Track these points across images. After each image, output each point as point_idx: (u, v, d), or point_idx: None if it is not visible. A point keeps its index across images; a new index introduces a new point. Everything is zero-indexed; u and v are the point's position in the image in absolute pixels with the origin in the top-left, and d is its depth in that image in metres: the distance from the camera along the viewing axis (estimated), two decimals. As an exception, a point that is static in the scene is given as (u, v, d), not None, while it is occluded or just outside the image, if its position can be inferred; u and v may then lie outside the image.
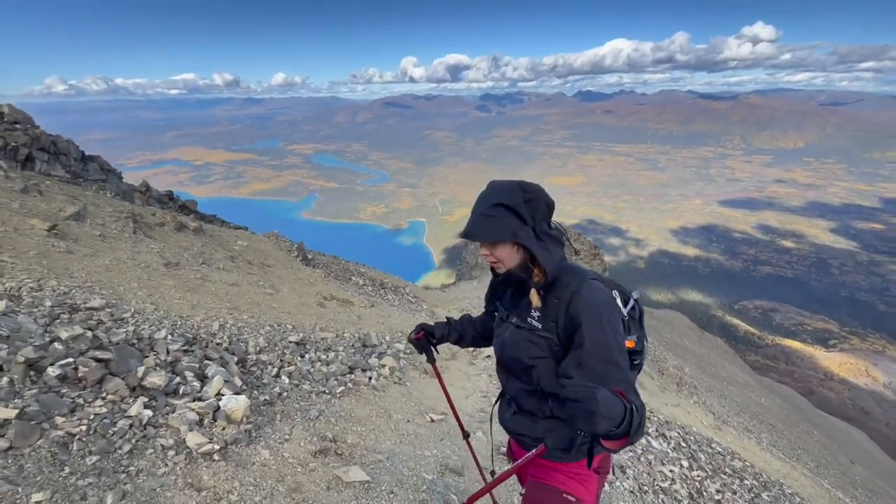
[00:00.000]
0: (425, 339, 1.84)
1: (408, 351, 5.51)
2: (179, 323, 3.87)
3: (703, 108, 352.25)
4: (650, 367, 14.25)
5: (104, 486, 1.92)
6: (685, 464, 5.48)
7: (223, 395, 2.94)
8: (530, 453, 1.26)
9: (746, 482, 5.90)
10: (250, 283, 6.06)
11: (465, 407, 4.42)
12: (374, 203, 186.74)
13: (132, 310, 3.64)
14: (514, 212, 1.32)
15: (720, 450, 6.98)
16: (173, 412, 2.59)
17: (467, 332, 1.83)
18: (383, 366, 4.71)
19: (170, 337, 3.47)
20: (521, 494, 1.49)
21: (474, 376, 5.28)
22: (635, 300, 1.39)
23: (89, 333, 2.89)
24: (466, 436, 1.93)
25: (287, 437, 2.82)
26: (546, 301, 1.35)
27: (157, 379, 2.72)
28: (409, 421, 3.61)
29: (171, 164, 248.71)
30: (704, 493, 4.83)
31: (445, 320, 1.89)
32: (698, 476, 5.28)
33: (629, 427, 1.00)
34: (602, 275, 1.41)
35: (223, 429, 2.63)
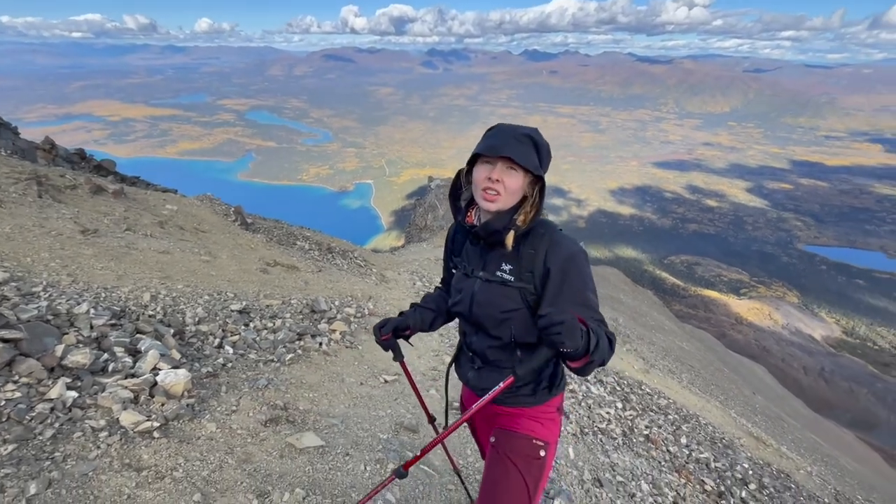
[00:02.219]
0: (393, 338, 1.63)
1: (358, 315, 5.45)
2: (104, 295, 3.53)
3: (641, 71, 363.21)
4: (589, 319, 15.19)
5: (25, 476, 1.76)
6: (619, 405, 6.00)
7: (160, 369, 2.76)
8: (499, 385, 1.26)
9: (670, 417, 6.59)
10: (184, 251, 5.63)
11: (418, 366, 4.49)
12: (318, 164, 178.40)
13: (44, 283, 3.26)
14: (537, 151, 1.33)
15: (648, 391, 7.69)
16: (103, 391, 2.40)
17: (442, 308, 1.69)
18: (334, 331, 4.63)
19: (93, 311, 3.16)
20: (490, 443, 1.52)
21: (426, 336, 5.35)
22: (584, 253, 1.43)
23: (-8, 311, 2.56)
24: (432, 420, 1.90)
25: (234, 408, 2.72)
26: (520, 252, 1.36)
27: (80, 357, 2.49)
28: (362, 384, 3.61)
29: (82, 118, 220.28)
30: (635, 430, 5.34)
31: (411, 308, 1.70)
32: (630, 415, 5.81)
33: (588, 345, 1.10)
34: None
35: (162, 405, 2.48)
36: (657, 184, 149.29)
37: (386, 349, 1.64)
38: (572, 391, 5.64)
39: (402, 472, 1.43)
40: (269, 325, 4.28)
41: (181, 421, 2.42)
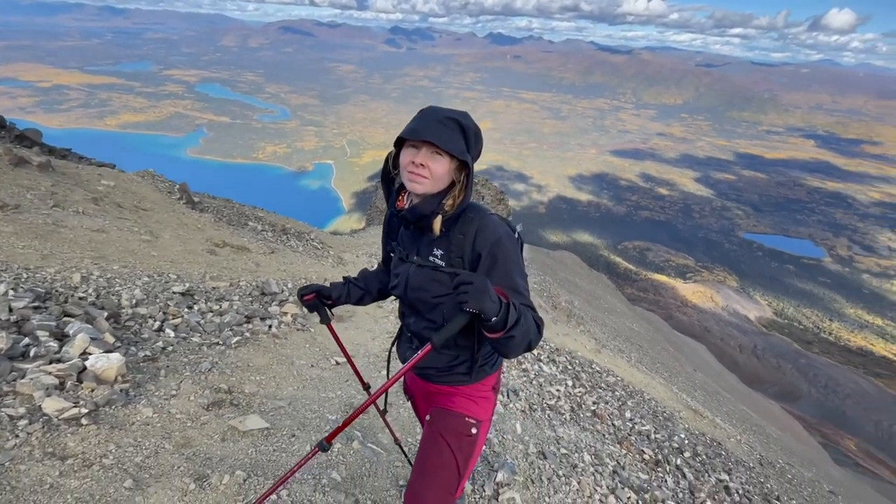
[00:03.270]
0: (317, 300, 1.61)
1: (312, 297, 5.35)
2: (25, 276, 3.27)
3: (601, 60, 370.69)
4: (546, 301, 15.72)
5: (-71, 468, 1.62)
6: (570, 383, 6.26)
7: (90, 354, 2.60)
8: (417, 354, 1.28)
9: (617, 393, 6.96)
10: (122, 229, 5.28)
11: (372, 349, 4.48)
12: (275, 142, 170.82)
13: (-47, 262, 2.96)
14: (465, 134, 1.30)
15: (598, 369, 8.08)
16: (23, 378, 2.23)
17: (372, 287, 1.71)
18: (285, 313, 4.52)
19: (12, 293, 2.92)
20: (426, 421, 1.56)
21: (381, 318, 5.34)
22: (518, 233, 1.45)
23: None
24: (366, 387, 1.91)
25: (174, 392, 2.61)
26: (450, 236, 1.36)
27: (-5, 341, 2.30)
28: (312, 366, 3.56)
29: (6, 83, 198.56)
30: (583, 406, 5.61)
31: (342, 280, 1.71)
32: (579, 392, 6.08)
33: (506, 317, 1.12)
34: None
35: (92, 391, 2.34)
36: (614, 171, 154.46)
37: (310, 310, 1.64)
38: (525, 370, 5.83)
39: (324, 445, 1.44)
40: (216, 307, 4.12)
41: (113, 407, 2.29)
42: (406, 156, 1.32)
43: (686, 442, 5.96)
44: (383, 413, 1.92)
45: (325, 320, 1.67)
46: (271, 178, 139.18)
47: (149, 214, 6.45)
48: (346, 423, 1.40)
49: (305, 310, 1.74)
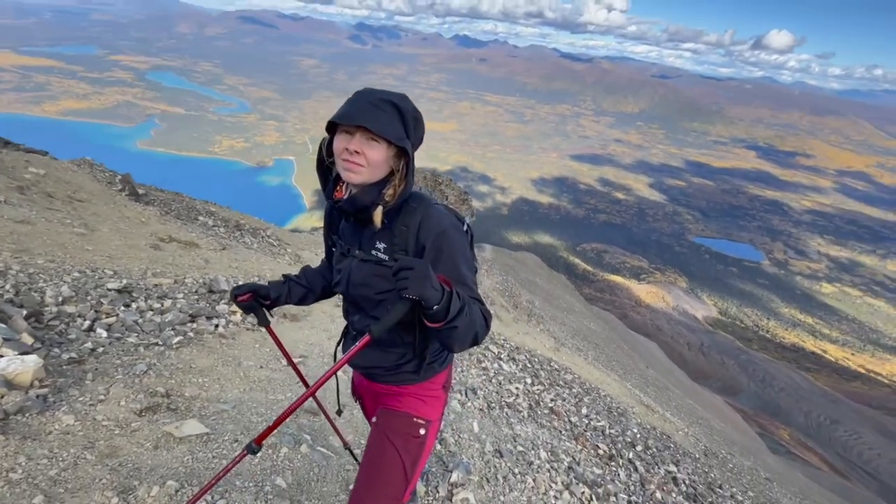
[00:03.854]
0: (254, 301, 1.47)
1: (265, 295, 5.11)
2: (-72, 270, 2.90)
3: (564, 67, 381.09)
4: (507, 301, 15.91)
5: None
6: (528, 381, 6.33)
7: (2, 356, 2.33)
8: (355, 345, 1.19)
9: (574, 390, 7.11)
10: (50, 221, 4.83)
11: (328, 348, 4.33)
12: (232, 136, 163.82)
13: None
14: (402, 118, 1.19)
15: (557, 367, 8.23)
16: (-85, 383, 1.96)
17: (315, 285, 1.60)
18: (234, 312, 4.28)
19: None
20: (372, 422, 1.49)
21: (339, 318, 5.18)
22: (468, 225, 1.39)
23: None
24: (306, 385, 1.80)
25: (101, 397, 2.39)
26: (392, 228, 1.28)
27: None
28: (261, 367, 3.38)
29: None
30: (541, 403, 5.67)
31: (282, 279, 1.60)
32: (537, 390, 6.16)
33: (448, 305, 1.05)
34: (439, 201, 1.37)
35: (2, 397, 2.10)
36: (574, 175, 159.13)
37: (246, 312, 1.49)
38: (484, 369, 5.84)
39: (253, 448, 1.33)
40: (156, 305, 3.84)
41: (26, 415, 2.06)
42: (339, 142, 1.21)
43: (638, 436, 6.17)
44: (327, 414, 1.81)
45: (264, 323, 1.53)
46: (228, 173, 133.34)
47: (84, 206, 5.97)
48: (277, 422, 1.28)
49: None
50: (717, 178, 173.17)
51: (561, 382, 7.30)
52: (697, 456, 6.88)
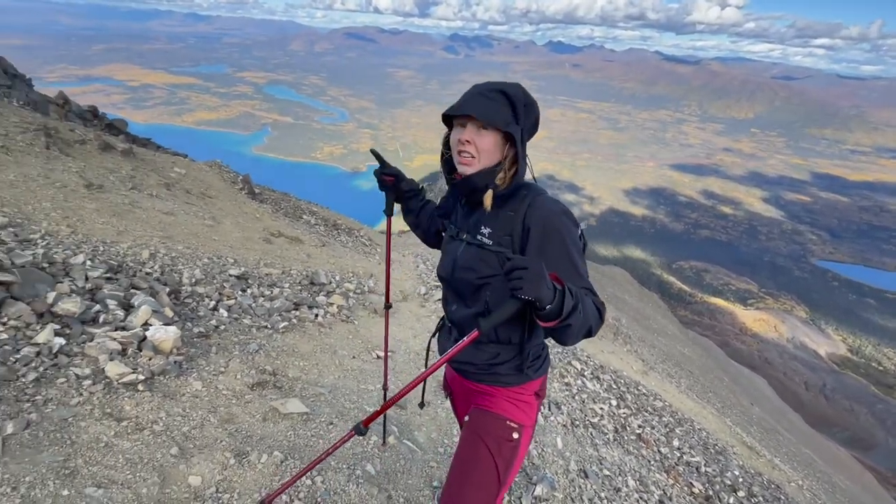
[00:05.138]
0: (395, 183, 1.61)
1: (358, 291, 5.42)
2: (102, 249, 3.52)
3: (666, 71, 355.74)
4: (591, 316, 15.10)
5: (3, 416, 1.75)
6: (614, 403, 5.94)
7: (151, 325, 2.74)
8: (462, 339, 1.20)
9: (664, 419, 6.52)
10: (188, 213, 5.62)
11: (413, 346, 4.46)
12: (332, 143, 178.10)
13: (42, 231, 3.25)
14: (512, 104, 1.22)
15: (645, 392, 7.62)
16: (91, 341, 2.38)
17: (426, 210, 1.66)
18: (331, 304, 4.60)
19: (89, 263, 3.15)
20: (465, 421, 1.47)
21: (424, 317, 5.32)
22: (581, 230, 1.34)
23: (-15, 253, 2.55)
24: (389, 307, 1.91)
25: (222, 369, 2.70)
26: (499, 214, 1.29)
27: (70, 306, 2.47)
28: (354, 357, 3.59)
29: (102, 82, 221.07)
30: (628, 428, 5.29)
31: (415, 184, 1.70)
32: (624, 413, 5.75)
33: (562, 304, 1.02)
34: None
35: (149, 359, 2.47)
36: (672, 186, 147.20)
37: (382, 188, 1.59)
38: (567, 384, 5.60)
39: (361, 429, 1.41)
40: (267, 292, 4.27)
41: (167, 377, 2.40)
42: (454, 135, 1.28)
43: (740, 480, 5.47)
44: (421, 406, 1.83)
45: (389, 210, 1.63)
46: (327, 176, 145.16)
47: (213, 201, 6.85)
48: (384, 408, 1.36)
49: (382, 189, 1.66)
50: (854, 192, 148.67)
51: (649, 409, 6.75)
52: (817, 514, 5.92)
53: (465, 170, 1.27)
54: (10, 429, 1.72)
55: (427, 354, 1.72)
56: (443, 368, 1.76)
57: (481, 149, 1.23)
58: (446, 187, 1.43)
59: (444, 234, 1.54)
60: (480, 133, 1.22)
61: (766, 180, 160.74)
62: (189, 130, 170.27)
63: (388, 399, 1.40)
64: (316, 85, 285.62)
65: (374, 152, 1.60)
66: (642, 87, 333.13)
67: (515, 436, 1.38)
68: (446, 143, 1.36)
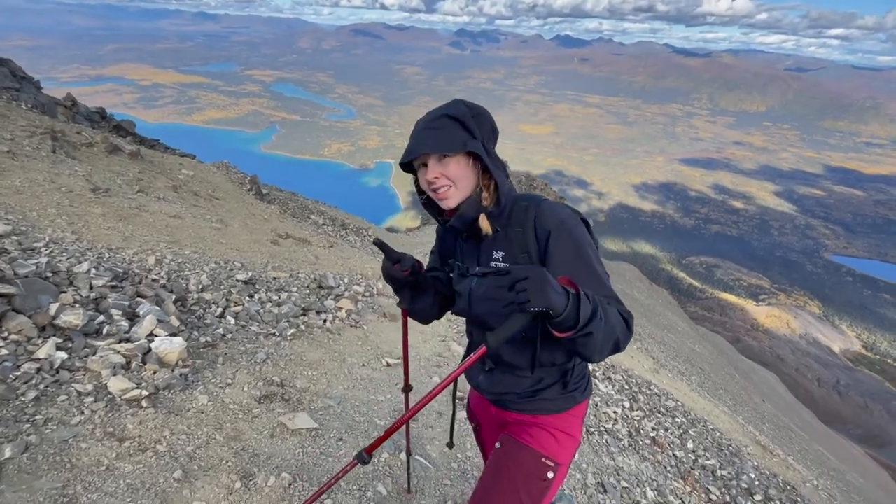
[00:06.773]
0: (409, 277, 1.29)
1: (367, 294, 5.34)
2: (107, 256, 3.47)
3: (676, 64, 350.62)
4: (602, 315, 14.92)
5: (1, 438, 1.68)
6: (627, 404, 5.81)
7: (156, 336, 2.68)
8: (469, 356, 1.11)
9: (677, 420, 6.38)
10: (195, 216, 5.57)
11: (423, 351, 4.37)
12: (340, 140, 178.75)
13: (47, 239, 3.20)
14: (461, 123, 1.15)
15: (657, 391, 7.48)
16: (94, 354, 2.32)
17: (435, 288, 1.39)
18: (340, 308, 4.52)
19: (94, 271, 3.09)
20: (495, 447, 1.35)
21: (436, 322, 5.23)
22: (589, 227, 1.24)
23: (-13, 264, 2.50)
24: (409, 390, 1.69)
25: (230, 381, 2.63)
26: (508, 234, 1.21)
27: (73, 318, 2.41)
28: (363, 365, 3.50)
29: (114, 81, 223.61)
30: (642, 431, 5.17)
31: (430, 270, 1.46)
32: (637, 416, 5.62)
33: (577, 310, 0.93)
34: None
35: (154, 373, 2.40)
36: (682, 181, 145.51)
37: (397, 286, 1.33)
38: (580, 388, 5.48)
39: (364, 457, 1.30)
40: (275, 297, 4.19)
41: (172, 391, 2.33)
42: (421, 178, 1.22)
43: (756, 483, 5.32)
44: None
45: (407, 303, 1.37)
46: (334, 174, 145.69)
47: (221, 203, 6.80)
48: (387, 434, 1.24)
49: (390, 287, 1.48)
50: (869, 186, 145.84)
51: (662, 409, 6.61)
52: (836, 519, 5.75)
53: (449, 202, 1.19)
54: (7, 453, 1.65)
55: (454, 390, 1.53)
56: (467, 395, 1.64)
57: (452, 177, 1.17)
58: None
59: (451, 275, 1.39)
60: (444, 163, 1.17)
61: (778, 174, 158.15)
62: (197, 129, 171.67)
63: (408, 409, 1.26)
64: (323, 82, 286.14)
65: (377, 243, 1.32)
66: (652, 81, 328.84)
67: (550, 475, 1.26)
68: (420, 190, 1.29)
